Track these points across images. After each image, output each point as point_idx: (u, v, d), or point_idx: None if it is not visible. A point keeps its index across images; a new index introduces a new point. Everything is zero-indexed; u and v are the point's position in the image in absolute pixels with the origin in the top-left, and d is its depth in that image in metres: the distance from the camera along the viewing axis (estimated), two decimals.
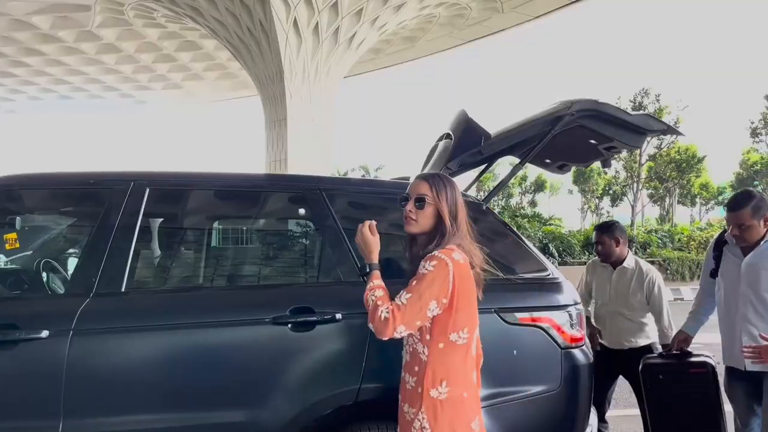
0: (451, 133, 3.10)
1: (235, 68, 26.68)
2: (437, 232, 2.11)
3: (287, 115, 19.00)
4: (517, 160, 3.33)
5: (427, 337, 2.05)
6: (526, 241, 3.00)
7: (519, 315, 2.63)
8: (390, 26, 19.95)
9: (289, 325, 2.45)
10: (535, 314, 2.65)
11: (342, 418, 2.42)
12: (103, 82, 32.01)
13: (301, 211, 2.99)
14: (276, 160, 19.38)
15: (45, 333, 2.30)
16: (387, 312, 1.99)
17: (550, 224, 21.15)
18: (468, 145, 2.97)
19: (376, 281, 2.10)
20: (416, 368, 2.04)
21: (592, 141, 3.16)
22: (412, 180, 2.19)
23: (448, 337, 2.06)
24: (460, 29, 22.89)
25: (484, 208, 2.96)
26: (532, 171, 47.18)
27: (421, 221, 2.12)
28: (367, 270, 2.15)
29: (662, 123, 3.06)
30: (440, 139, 3.33)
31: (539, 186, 52.71)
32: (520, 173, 44.48)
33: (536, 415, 2.63)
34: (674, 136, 13.42)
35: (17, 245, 2.91)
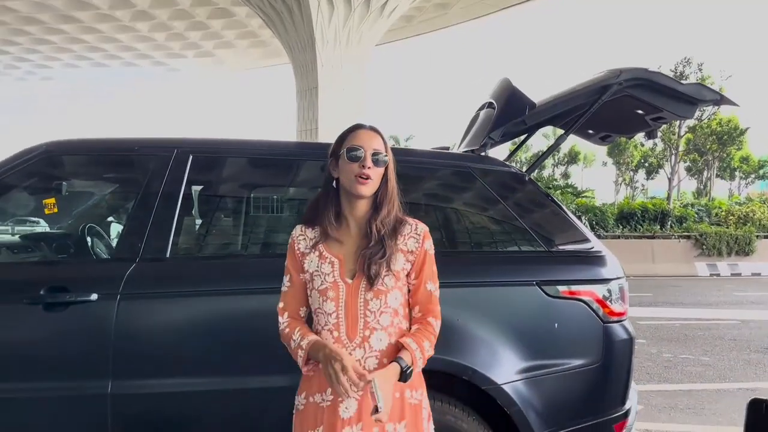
0: (493, 101, 3.04)
1: (266, 36, 26.64)
2: (378, 197, 1.78)
3: (318, 84, 18.97)
4: (556, 130, 3.25)
5: (407, 311, 1.82)
6: (570, 213, 2.94)
7: (560, 288, 2.60)
8: None
9: None
10: (577, 287, 2.62)
11: None
12: (137, 50, 32.29)
13: None
14: (306, 129, 19.44)
15: (94, 296, 2.35)
16: (435, 324, 1.80)
17: (583, 196, 20.84)
18: (512, 114, 2.91)
19: (418, 353, 1.72)
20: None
21: (640, 111, 3.07)
22: (359, 131, 1.78)
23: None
24: None
25: (527, 179, 2.91)
26: (565, 142, 46.40)
27: (375, 181, 1.75)
28: (407, 371, 1.70)
29: (716, 93, 2.94)
30: (481, 108, 3.27)
31: (572, 158, 51.91)
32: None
33: (575, 388, 2.61)
34: (718, 106, 12.98)
35: (56, 210, 2.96)
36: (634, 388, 2.87)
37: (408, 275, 1.81)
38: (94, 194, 3.78)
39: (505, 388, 2.46)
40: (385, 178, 1.79)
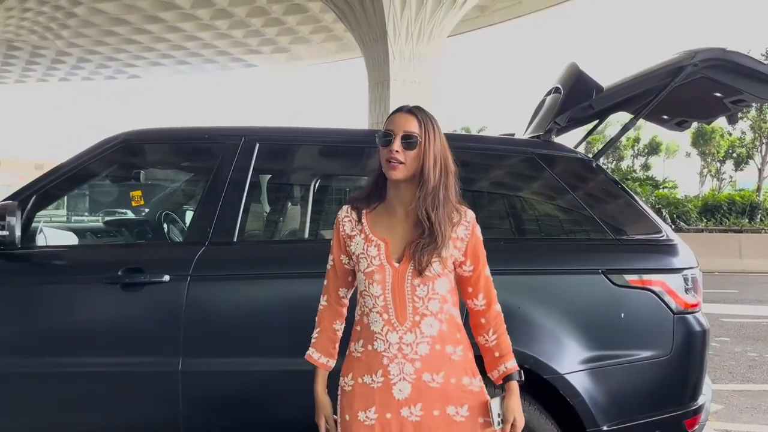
0: (560, 86, 2.96)
1: (339, 30, 26.98)
2: (419, 182, 1.72)
3: (390, 77, 19.03)
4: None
5: (457, 298, 1.82)
6: (640, 200, 2.84)
7: (628, 277, 2.52)
8: None
9: None
10: (647, 277, 2.53)
11: None
12: (216, 47, 33.43)
13: None
14: (378, 122, 19.53)
15: (167, 277, 2.48)
16: (500, 311, 1.84)
17: (663, 188, 19.95)
18: (578, 98, 2.83)
19: (509, 360, 1.81)
20: (458, 335, 1.78)
21: (717, 94, 2.91)
22: (394, 114, 1.76)
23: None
24: None
25: (594, 165, 2.83)
26: (645, 132, 44.48)
27: (408, 164, 1.70)
28: (522, 376, 1.83)
29: None
30: (548, 94, 3.20)
31: (653, 149, 49.65)
32: (632, 134, 41.99)
33: (643, 380, 2.52)
34: None
35: (142, 202, 3.09)
36: (709, 384, 2.74)
37: (462, 263, 1.79)
38: (170, 181, 3.96)
39: (568, 378, 2.41)
40: (423, 160, 1.72)
